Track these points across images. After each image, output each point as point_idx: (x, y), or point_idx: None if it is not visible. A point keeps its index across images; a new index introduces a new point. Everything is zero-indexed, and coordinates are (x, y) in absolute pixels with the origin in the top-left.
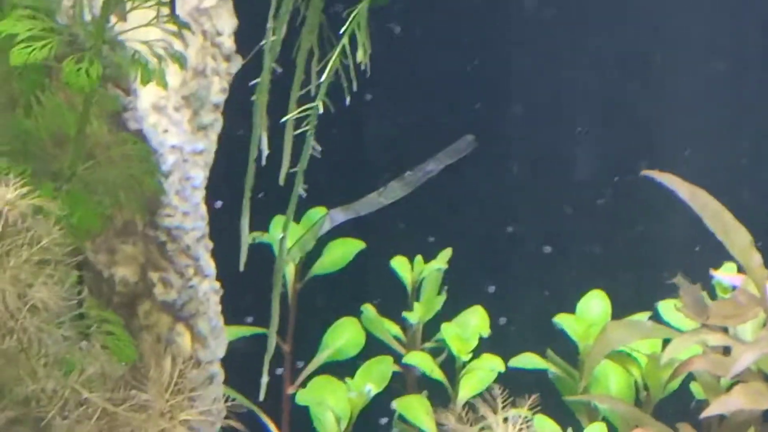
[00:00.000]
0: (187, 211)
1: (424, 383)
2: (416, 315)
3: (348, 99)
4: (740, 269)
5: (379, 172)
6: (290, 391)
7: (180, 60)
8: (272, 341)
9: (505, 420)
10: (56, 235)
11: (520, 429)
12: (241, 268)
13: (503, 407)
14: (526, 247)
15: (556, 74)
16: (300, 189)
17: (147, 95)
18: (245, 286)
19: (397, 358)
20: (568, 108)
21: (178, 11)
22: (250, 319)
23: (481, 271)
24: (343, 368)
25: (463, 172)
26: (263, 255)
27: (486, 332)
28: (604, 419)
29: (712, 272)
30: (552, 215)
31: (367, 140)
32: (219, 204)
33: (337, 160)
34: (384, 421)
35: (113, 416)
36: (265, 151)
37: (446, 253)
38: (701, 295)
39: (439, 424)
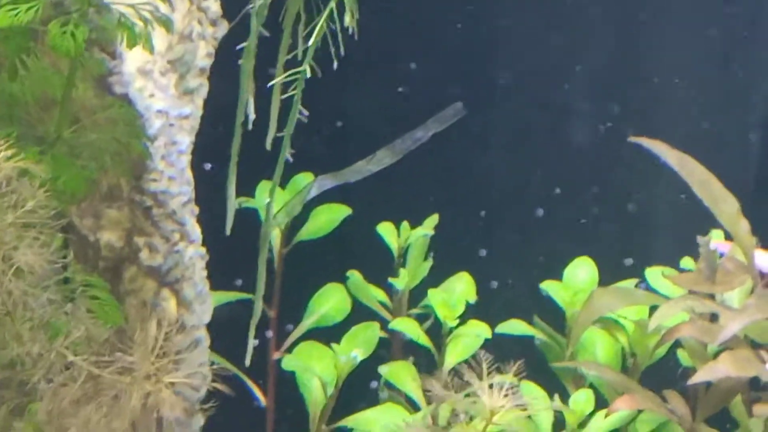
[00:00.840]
0: (173, 175)
1: (410, 349)
2: (402, 281)
3: (335, 64)
4: (728, 236)
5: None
6: (276, 356)
7: (166, 24)
8: (258, 307)
9: (491, 386)
10: (41, 198)
11: (506, 395)
12: (228, 232)
13: (489, 374)
14: (513, 213)
15: (544, 42)
16: (287, 154)
17: (133, 59)
18: (231, 251)
19: (384, 324)
20: (558, 74)
21: None
22: (236, 284)
23: (469, 237)
24: (329, 334)
25: (450, 137)
26: (249, 220)
27: (472, 298)
28: (591, 386)
29: (700, 239)
30: (540, 180)
31: (355, 106)
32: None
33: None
34: (370, 386)
35: (98, 379)
36: (252, 116)
37: (433, 219)
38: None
39: (425, 390)
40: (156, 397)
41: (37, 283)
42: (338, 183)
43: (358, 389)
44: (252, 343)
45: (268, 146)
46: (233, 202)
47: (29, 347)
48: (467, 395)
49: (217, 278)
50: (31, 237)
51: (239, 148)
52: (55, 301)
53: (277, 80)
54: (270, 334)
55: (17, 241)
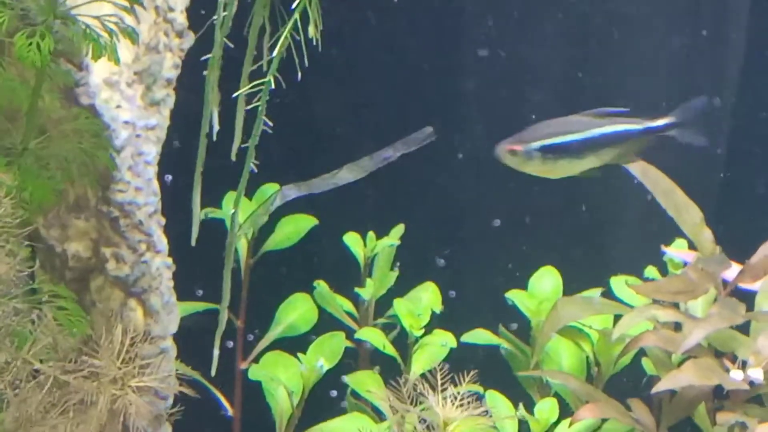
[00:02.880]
0: (140, 186)
1: (376, 359)
2: (369, 291)
3: (299, 75)
4: (691, 246)
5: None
6: (243, 366)
7: (131, 35)
8: (224, 316)
9: (445, 398)
10: (8, 207)
11: (460, 405)
12: (193, 242)
13: (444, 386)
14: (479, 223)
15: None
16: (251, 164)
17: (99, 70)
18: (198, 262)
19: (350, 334)
20: (521, 85)
21: None
22: (202, 295)
23: (434, 247)
24: (296, 344)
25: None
26: (217, 231)
27: (438, 308)
28: (556, 395)
29: (664, 248)
30: (504, 191)
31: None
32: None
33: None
34: (336, 395)
35: (65, 387)
36: (216, 127)
37: (399, 229)
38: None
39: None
40: (123, 400)
41: (4, 292)
42: (303, 194)
43: (325, 398)
44: (217, 352)
45: (233, 157)
46: (198, 213)
47: None
48: (423, 409)
49: (184, 288)
50: None
51: (204, 158)
52: (21, 310)
53: (242, 91)
54: (234, 344)
55: None
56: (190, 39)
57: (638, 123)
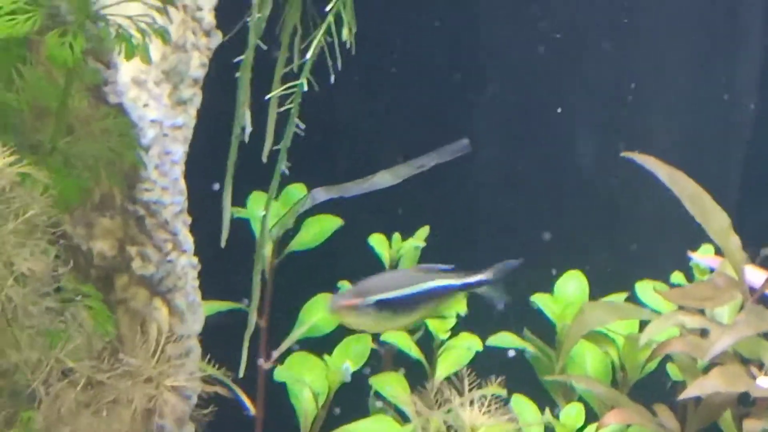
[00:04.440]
0: (166, 185)
1: (400, 361)
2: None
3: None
4: (718, 251)
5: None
6: (266, 366)
7: (163, 35)
8: (252, 319)
9: (471, 403)
10: (43, 205)
11: (487, 411)
12: (223, 244)
13: (470, 389)
14: (505, 227)
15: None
16: (283, 166)
17: (127, 69)
18: (222, 261)
19: (375, 336)
20: (540, 87)
21: None
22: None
23: (461, 249)
24: (319, 344)
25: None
26: (239, 230)
27: (463, 310)
28: (581, 399)
29: (690, 254)
30: (532, 197)
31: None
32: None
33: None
34: (361, 398)
35: (97, 386)
36: (248, 128)
37: (424, 231)
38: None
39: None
40: (159, 399)
41: (36, 290)
42: (332, 197)
43: (350, 400)
44: (246, 354)
45: (264, 158)
46: (228, 214)
47: (27, 354)
48: (448, 412)
49: (208, 287)
50: (32, 244)
51: (236, 160)
52: (53, 308)
53: (274, 93)
54: (257, 344)
55: (19, 248)
56: (217, 38)
57: (457, 278)
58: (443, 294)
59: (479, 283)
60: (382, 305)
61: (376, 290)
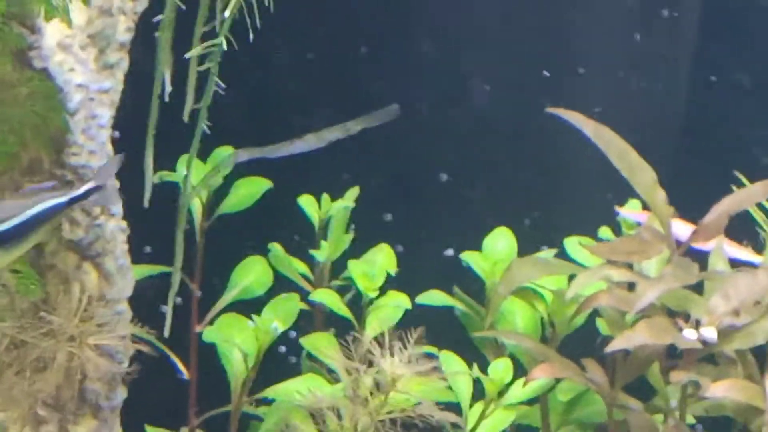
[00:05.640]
0: (94, 149)
1: (331, 321)
2: (323, 253)
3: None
4: (645, 206)
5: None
6: (198, 329)
7: None
8: (176, 278)
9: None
10: None
11: (408, 362)
12: (145, 204)
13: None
14: (435, 185)
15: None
16: (203, 125)
17: (52, 34)
18: (153, 225)
19: (305, 296)
20: (473, 50)
21: None
22: (158, 258)
23: (389, 209)
24: (251, 306)
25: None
26: (172, 195)
27: (393, 270)
28: (510, 355)
29: (618, 209)
30: (461, 153)
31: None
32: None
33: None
34: (291, 358)
35: (21, 347)
36: (168, 88)
37: (353, 192)
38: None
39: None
40: (81, 357)
41: None
42: (255, 157)
43: (279, 360)
44: (170, 313)
45: (186, 118)
46: (150, 174)
47: None
48: (378, 372)
49: (139, 252)
50: None
51: (156, 120)
52: None
53: (194, 52)
54: (189, 307)
55: None
56: (143, 2)
57: (62, 195)
58: (52, 214)
59: (88, 193)
60: None
61: None
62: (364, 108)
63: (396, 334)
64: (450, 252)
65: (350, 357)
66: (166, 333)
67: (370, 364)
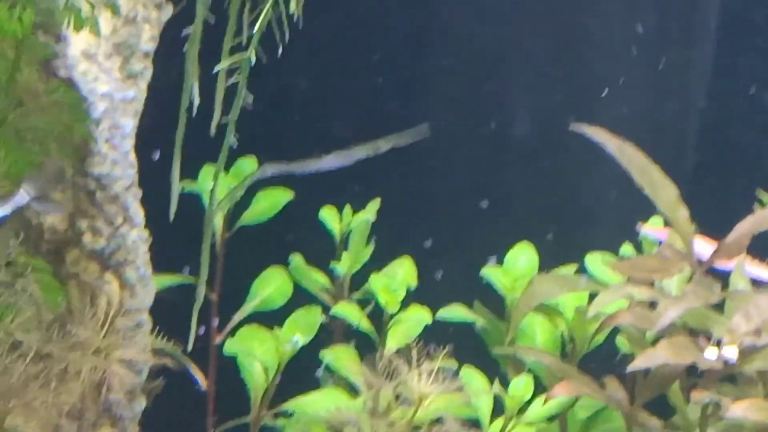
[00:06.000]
0: (117, 159)
1: (351, 334)
2: (344, 265)
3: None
4: (667, 223)
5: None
6: (217, 340)
7: (112, 7)
8: (201, 291)
9: (420, 373)
10: None
11: (435, 381)
12: (171, 217)
13: (425, 359)
14: (456, 199)
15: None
16: (231, 138)
17: (77, 43)
18: (173, 235)
19: (325, 309)
20: (499, 63)
21: None
22: (178, 269)
23: (411, 222)
24: (271, 318)
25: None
26: (192, 204)
27: (414, 284)
28: (530, 371)
29: (639, 226)
30: (483, 168)
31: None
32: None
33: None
34: (312, 371)
35: (47, 358)
36: (196, 101)
37: (375, 204)
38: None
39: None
40: (106, 371)
41: None
42: (282, 172)
43: (300, 373)
44: (195, 327)
45: (213, 132)
46: (177, 187)
47: None
48: (399, 384)
49: (160, 262)
50: None
51: (184, 133)
52: (3, 282)
53: (222, 65)
54: (209, 318)
55: None
56: (168, 11)
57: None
58: None
59: (20, 203)
60: None
61: None
62: (385, 120)
63: (418, 348)
64: (472, 266)
65: (372, 371)
66: (190, 347)
67: (392, 378)
